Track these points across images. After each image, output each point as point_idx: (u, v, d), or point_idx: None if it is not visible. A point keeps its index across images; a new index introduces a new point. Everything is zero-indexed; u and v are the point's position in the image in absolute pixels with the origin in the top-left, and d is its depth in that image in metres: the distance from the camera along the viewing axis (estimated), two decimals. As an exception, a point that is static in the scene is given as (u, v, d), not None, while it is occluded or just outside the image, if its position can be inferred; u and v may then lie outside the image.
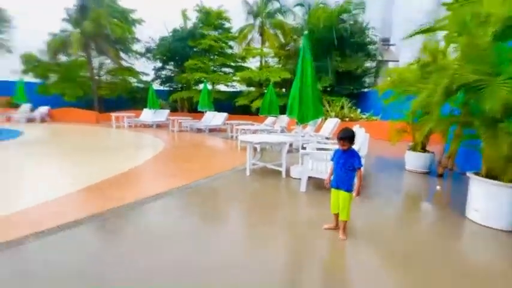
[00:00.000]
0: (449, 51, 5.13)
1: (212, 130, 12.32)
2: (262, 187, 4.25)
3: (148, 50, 18.71)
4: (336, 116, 11.73)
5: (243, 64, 18.47)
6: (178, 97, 17.22)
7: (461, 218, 3.19)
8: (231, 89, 18.86)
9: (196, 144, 8.83)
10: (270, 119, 10.74)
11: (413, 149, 5.60)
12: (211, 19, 16.84)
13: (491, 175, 3.01)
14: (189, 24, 18.14)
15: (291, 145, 7.46)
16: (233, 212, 3.41)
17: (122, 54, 18.22)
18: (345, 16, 14.78)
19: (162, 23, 18.38)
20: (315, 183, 4.27)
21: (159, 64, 18.98)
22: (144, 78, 19.16)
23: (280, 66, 16.81)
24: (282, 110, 11.29)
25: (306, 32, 4.47)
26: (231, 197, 3.85)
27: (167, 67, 19.13)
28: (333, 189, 2.71)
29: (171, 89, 19.23)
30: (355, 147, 2.82)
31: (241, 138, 5.00)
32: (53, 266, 2.04)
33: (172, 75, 18.81)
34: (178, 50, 16.90)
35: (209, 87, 15.23)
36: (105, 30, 15.57)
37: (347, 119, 11.59)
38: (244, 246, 2.49)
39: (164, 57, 18.11)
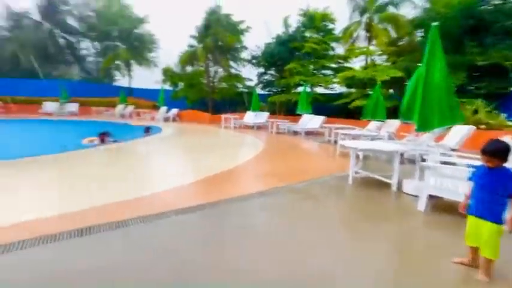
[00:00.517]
0: None
1: (309, 133, 12.23)
2: (368, 198, 3.87)
3: (253, 57, 20.47)
4: (467, 123, 9.38)
5: (345, 65, 17.50)
6: (277, 100, 18.03)
7: None
8: (330, 91, 18.21)
9: (293, 146, 8.99)
10: (373, 124, 9.70)
11: None
12: (316, 22, 16.78)
13: None
14: (292, 30, 18.69)
15: (401, 155, 6.49)
16: (335, 221, 3.25)
17: (232, 63, 20.69)
18: (487, -4, 11.63)
19: (266, 29, 19.70)
20: (438, 204, 3.54)
21: (261, 70, 20.50)
22: (248, 83, 21.10)
23: (389, 64, 14.92)
24: (390, 114, 10.00)
25: (435, 24, 3.75)
26: (333, 205, 3.70)
27: (269, 72, 20.40)
28: (470, 216, 2.16)
29: (271, 92, 20.37)
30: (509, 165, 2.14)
31: (344, 143, 4.72)
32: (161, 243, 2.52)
33: (273, 79, 19.88)
34: (280, 54, 17.70)
35: (308, 90, 15.19)
36: (220, 43, 18.12)
37: (483, 126, 9.07)
38: (347, 262, 2.33)
39: (267, 63, 19.38)
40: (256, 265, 2.13)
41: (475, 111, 10.06)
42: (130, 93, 21.95)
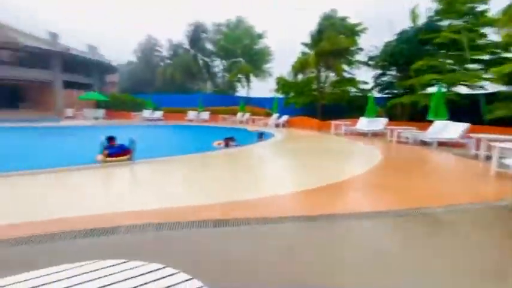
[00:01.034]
0: None
1: (442, 144, 9.94)
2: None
3: (370, 58, 18.71)
4: None
5: (504, 55, 13.16)
6: (398, 103, 15.67)
7: None
8: (478, 91, 14.15)
9: (420, 159, 7.57)
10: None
11: None
12: (456, 5, 13.54)
13: None
14: (421, 22, 15.84)
15: None
16: (478, 270, 2.47)
17: (345, 66, 19.67)
18: None
19: (389, 27, 17.53)
20: None
21: (379, 71, 18.41)
22: (363, 86, 19.43)
23: None
24: None
25: None
26: (483, 246, 2.83)
27: (388, 73, 18.08)
28: None
29: (390, 95, 17.95)
30: None
31: (508, 162, 3.52)
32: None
33: (394, 81, 17.46)
34: (404, 52, 15.35)
35: (443, 90, 12.40)
36: (334, 47, 17.63)
37: None
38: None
39: (385, 63, 17.23)
40: None
41: None
42: (248, 102, 24.79)
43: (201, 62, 33.06)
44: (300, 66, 19.87)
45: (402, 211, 3.48)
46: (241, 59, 29.59)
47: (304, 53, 20.62)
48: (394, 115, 16.86)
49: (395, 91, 17.57)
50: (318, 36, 18.96)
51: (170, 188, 4.48)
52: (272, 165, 7.18)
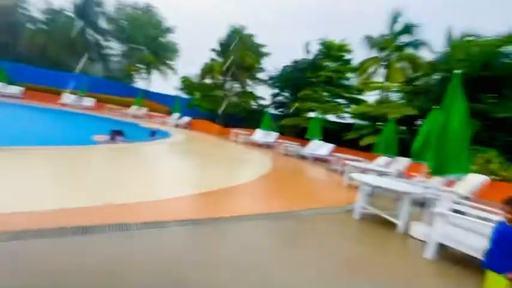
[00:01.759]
0: None
1: (316, 159, 12.17)
2: (373, 237, 3.76)
3: (270, 78, 20.94)
4: (478, 172, 9.22)
5: (358, 96, 17.71)
6: (289, 123, 18.19)
7: None
8: (341, 120, 18.31)
9: (300, 170, 8.94)
10: (382, 159, 9.60)
11: None
12: (333, 51, 17.24)
13: None
14: (310, 56, 19.19)
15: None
16: (337, 258, 3.13)
17: (248, 81, 21.19)
18: (506, 49, 11.80)
19: (285, 53, 20.31)
20: (446, 254, 3.41)
21: (276, 91, 20.89)
22: (262, 102, 21.47)
23: (403, 101, 15.03)
24: (401, 151, 9.90)
25: (458, 72, 3.82)
26: (337, 240, 3.59)
27: (283, 94, 20.77)
28: (490, 272, 2.07)
29: (283, 113, 20.60)
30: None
31: (356, 177, 4.66)
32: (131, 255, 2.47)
33: (286, 101, 20.19)
34: (296, 79, 18.07)
35: (319, 116, 15.31)
36: (240, 61, 18.71)
37: (496, 177, 8.88)
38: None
39: (282, 85, 19.78)
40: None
41: (487, 161, 9.91)
42: (146, 96, 22.50)
43: (90, 38, 27.63)
44: (208, 70, 19.96)
45: (280, 214, 3.96)
46: (143, 48, 26.73)
47: (213, 59, 20.83)
48: (283, 131, 19.41)
49: (287, 110, 20.34)
50: (226, 46, 19.67)
51: (28, 186, 3.37)
52: (164, 166, 6.69)
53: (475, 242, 3.15)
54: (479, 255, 2.99)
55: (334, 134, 16.23)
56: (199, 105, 20.11)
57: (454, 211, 4.00)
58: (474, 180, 5.79)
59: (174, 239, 2.70)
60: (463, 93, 3.78)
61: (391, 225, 4.24)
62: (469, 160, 3.80)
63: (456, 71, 3.86)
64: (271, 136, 14.73)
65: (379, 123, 14.65)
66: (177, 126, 17.72)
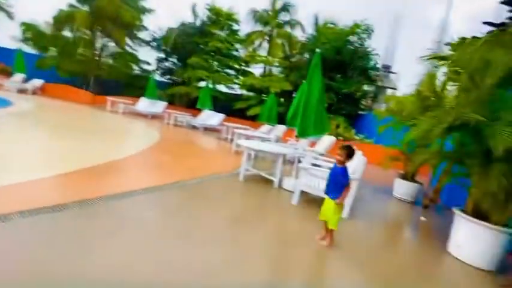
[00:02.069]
0: (447, 89, 5.37)
1: (207, 129, 12.24)
2: (254, 194, 4.25)
3: (154, 39, 18.54)
4: (331, 134, 11.92)
5: (246, 68, 18.59)
6: (178, 92, 17.08)
7: (442, 251, 3.28)
8: (231, 91, 18.91)
9: (190, 141, 8.76)
10: (266, 127, 10.79)
11: (403, 177, 5.74)
12: (221, 19, 16.95)
13: (476, 214, 3.12)
14: (198, 21, 18.14)
15: (284, 156, 7.52)
16: (223, 214, 3.37)
17: (127, 40, 17.96)
18: (352, 38, 15.16)
19: (171, 13, 18.36)
20: (308, 199, 4.31)
21: (162, 55, 18.86)
22: (146, 67, 18.96)
23: (283, 76, 17.01)
24: (280, 120, 11.41)
25: (319, 51, 4.56)
26: (223, 200, 3.83)
27: (170, 59, 19.02)
28: (326, 198, 2.90)
29: (171, 81, 19.09)
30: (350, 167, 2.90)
31: (241, 143, 5.00)
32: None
33: (174, 68, 18.71)
34: (184, 44, 16.85)
35: (210, 86, 15.22)
36: (114, 14, 15.39)
37: (341, 138, 11.79)
38: (227, 253, 2.47)
39: (168, 49, 17.98)
40: (130, 268, 1.92)
41: (337, 126, 12.95)
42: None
43: None
44: (66, 20, 15.38)
45: (165, 186, 3.81)
46: None
47: (72, 5, 16.13)
48: (173, 100, 18.21)
49: (175, 78, 18.94)
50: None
51: None
52: (13, 142, 4.93)
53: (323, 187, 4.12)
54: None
55: (224, 104, 16.69)
56: (57, 65, 15.58)
57: (313, 165, 5.05)
58: (327, 141, 7.46)
59: (26, 232, 2.09)
60: (321, 69, 4.58)
61: (270, 182, 4.93)
62: (325, 124, 4.80)
63: (317, 50, 4.59)
64: (159, 106, 13.53)
65: (264, 95, 16.13)
66: (21, 92, 13.28)
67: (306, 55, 16.06)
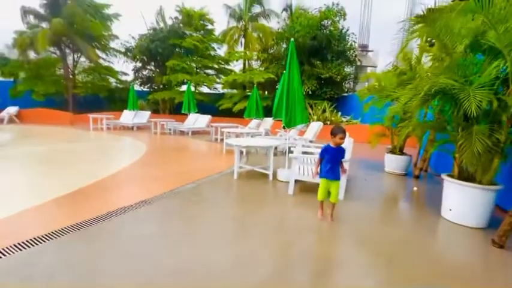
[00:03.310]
0: (423, 60, 5.51)
1: (195, 133, 12.16)
2: (250, 189, 4.28)
3: (128, 50, 18.10)
4: (318, 119, 12.05)
5: (226, 66, 18.45)
6: (159, 97, 16.81)
7: (436, 217, 3.42)
8: (214, 91, 18.79)
9: (180, 147, 8.68)
10: (254, 122, 10.80)
11: (391, 152, 5.90)
12: (194, 20, 16.68)
13: (462, 177, 3.26)
14: (168, 24, 17.76)
15: (275, 148, 7.57)
16: (223, 212, 3.38)
17: (99, 53, 17.47)
18: (325, 23, 15.23)
19: (139, 19, 17.95)
20: (303, 187, 4.38)
21: (139, 64, 18.47)
22: (124, 78, 18.57)
23: (262, 69, 16.97)
24: (266, 113, 11.43)
25: (292, 39, 4.58)
26: (221, 199, 3.85)
27: (148, 67, 18.66)
28: (323, 179, 3.09)
29: (151, 89, 18.77)
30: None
31: (228, 141, 5.00)
32: None
33: (153, 75, 18.37)
34: (158, 49, 16.54)
35: (192, 88, 15.07)
36: (79, 27, 14.90)
37: (328, 122, 11.94)
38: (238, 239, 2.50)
39: (144, 57, 17.62)
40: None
41: (323, 111, 13.10)
42: None
43: None
44: (29, 42, 14.75)
45: (162, 195, 3.79)
46: None
47: (34, 26, 15.49)
48: (157, 109, 17.96)
49: (155, 87, 18.62)
50: (52, 10, 15.05)
51: None
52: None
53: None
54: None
55: (209, 105, 16.58)
56: (32, 90, 15.04)
57: (304, 153, 5.12)
58: (315, 127, 7.55)
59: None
60: (297, 57, 4.60)
61: (265, 176, 4.97)
62: (306, 112, 4.85)
63: (291, 39, 4.61)
64: (143, 116, 13.32)
65: (248, 91, 16.09)
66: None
67: (284, 45, 16.06)
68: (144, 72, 18.77)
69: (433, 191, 4.74)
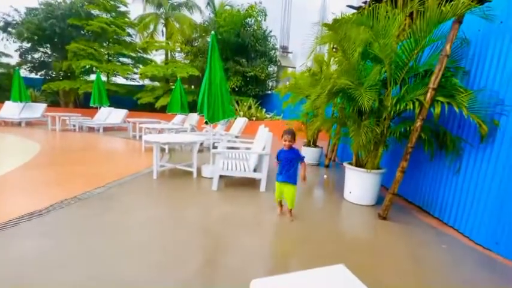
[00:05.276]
0: (331, 63, 6.30)
1: (108, 129, 10.68)
2: (171, 189, 4.02)
3: (8, 24, 14.33)
4: (244, 116, 12.37)
5: (144, 55, 16.82)
6: (59, 88, 14.01)
7: (341, 199, 3.99)
8: (132, 83, 16.90)
9: (87, 146, 7.44)
10: (178, 117, 10.23)
11: (307, 145, 6.57)
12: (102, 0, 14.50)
13: (358, 164, 3.89)
14: (68, 1, 14.93)
15: (201, 144, 7.37)
16: (141, 218, 3.06)
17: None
18: (249, 21, 15.64)
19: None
20: (229, 182, 4.39)
21: (26, 45, 14.89)
22: (4, 60, 14.66)
23: (187, 62, 16.24)
24: (192, 108, 11.00)
25: (213, 32, 4.49)
26: (135, 205, 3.46)
27: (40, 49, 15.26)
28: (278, 183, 3.13)
29: (48, 77, 15.49)
30: (261, 145, 3.10)
31: (146, 138, 4.55)
32: None
33: (49, 60, 15.16)
34: (55, 29, 13.71)
35: (103, 78, 13.14)
36: None
37: (254, 118, 12.40)
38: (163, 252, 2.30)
39: (35, 37, 14.30)
40: None
41: (249, 107, 13.51)
42: None
43: None
44: None
45: (62, 204, 3.16)
46: None
47: None
48: (57, 101, 14.97)
49: (53, 74, 15.43)
50: None
51: None
52: None
53: (242, 167, 4.28)
54: (246, 175, 4.12)
55: (126, 97, 14.84)
56: None
57: (230, 148, 5.15)
58: (241, 122, 7.70)
59: None
60: (219, 51, 4.55)
61: (189, 174, 4.76)
62: (231, 107, 4.87)
63: (212, 32, 4.51)
64: (35, 109, 10.86)
65: (171, 84, 15.11)
66: None
67: (208, 39, 15.71)
68: (36, 56, 15.27)
69: (339, 177, 5.51)
